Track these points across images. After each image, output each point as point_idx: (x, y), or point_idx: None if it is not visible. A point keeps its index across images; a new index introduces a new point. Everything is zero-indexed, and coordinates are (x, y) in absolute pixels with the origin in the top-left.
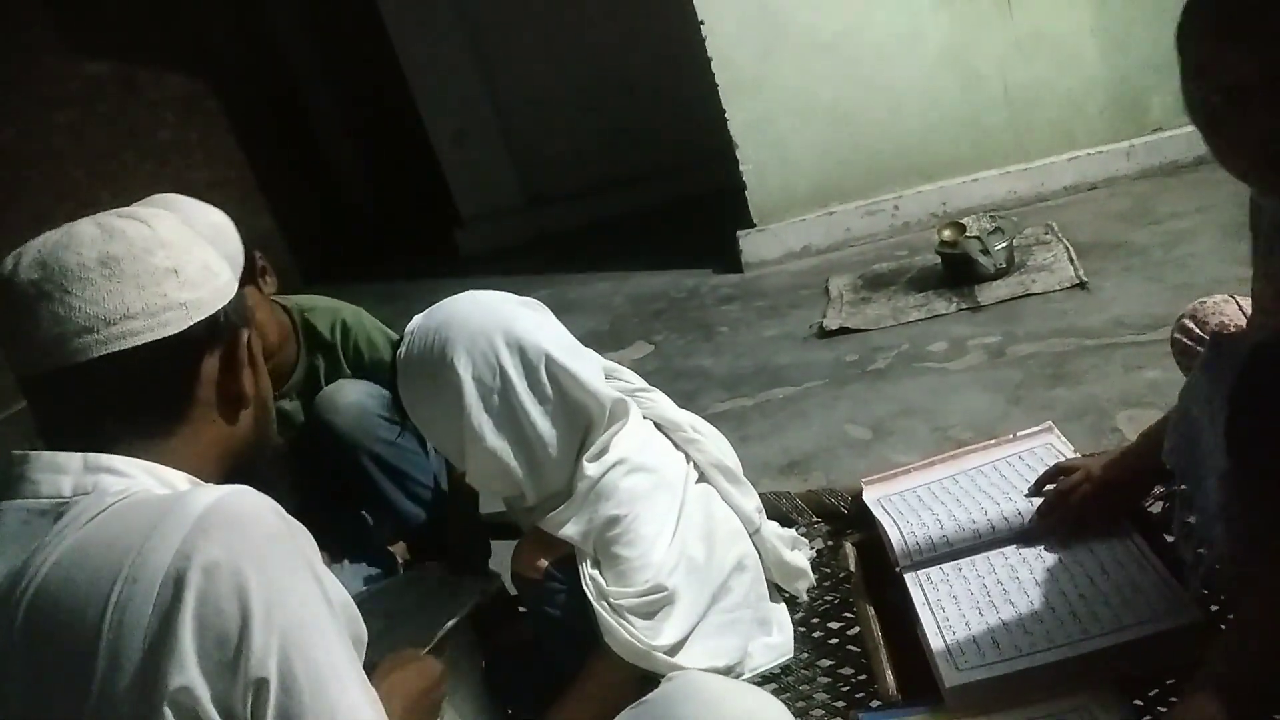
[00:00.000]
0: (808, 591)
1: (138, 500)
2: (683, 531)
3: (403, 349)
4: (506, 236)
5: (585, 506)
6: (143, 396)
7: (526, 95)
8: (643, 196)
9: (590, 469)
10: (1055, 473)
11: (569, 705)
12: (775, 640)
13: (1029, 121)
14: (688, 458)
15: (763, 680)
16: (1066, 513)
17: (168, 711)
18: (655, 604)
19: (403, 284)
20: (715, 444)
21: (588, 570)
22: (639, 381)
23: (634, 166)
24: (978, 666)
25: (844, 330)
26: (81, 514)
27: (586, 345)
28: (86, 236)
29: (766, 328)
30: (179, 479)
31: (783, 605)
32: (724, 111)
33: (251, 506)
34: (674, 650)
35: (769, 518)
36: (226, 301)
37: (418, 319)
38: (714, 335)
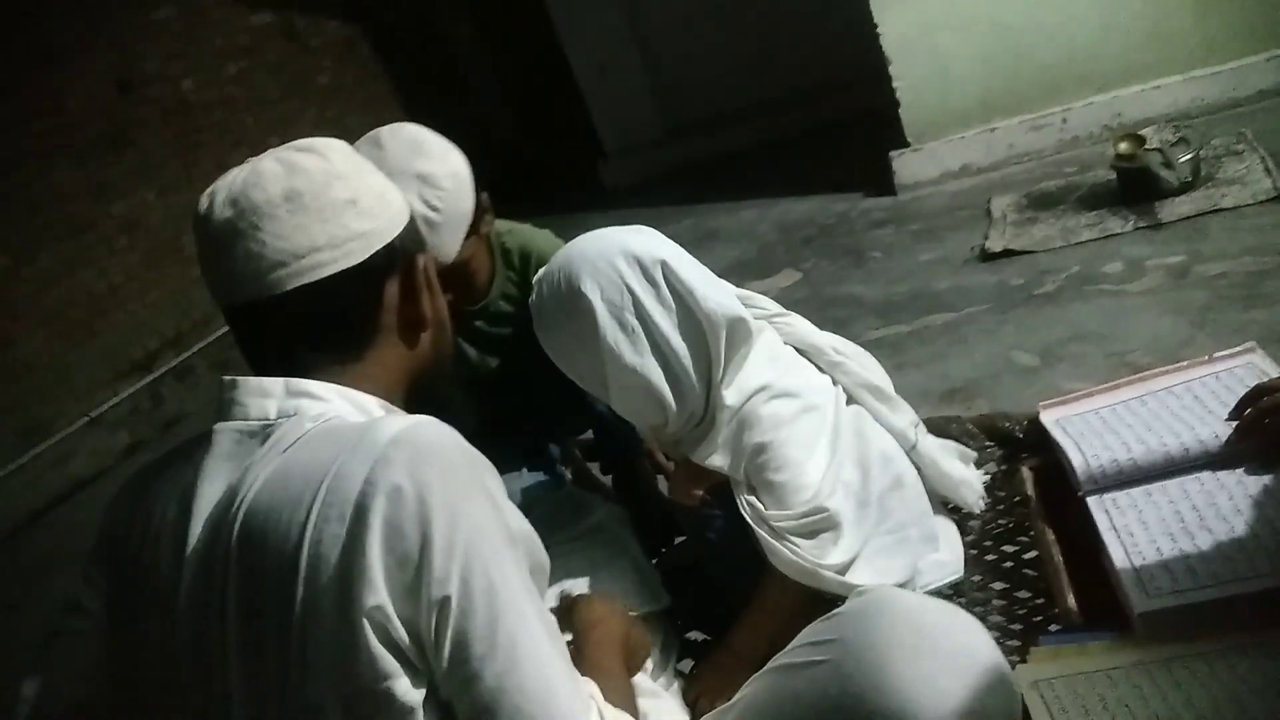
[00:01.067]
0: (980, 515)
1: (332, 427)
2: (837, 456)
3: (534, 297)
4: (649, 167)
5: (729, 436)
6: (332, 323)
7: (667, 23)
8: (787, 121)
9: (729, 398)
10: (1258, 393)
11: (746, 628)
12: (944, 558)
13: (1218, 19)
14: (834, 381)
15: None
16: (1272, 434)
17: (366, 626)
18: (816, 524)
19: (550, 218)
20: (860, 363)
21: (744, 496)
22: (775, 307)
23: (778, 90)
24: (1171, 593)
25: (1008, 252)
26: (284, 437)
27: (732, 274)
28: (270, 173)
29: (923, 251)
30: (371, 403)
31: (950, 522)
32: (875, 26)
33: (435, 436)
34: (842, 570)
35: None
36: (402, 228)
37: (544, 268)
38: (866, 261)
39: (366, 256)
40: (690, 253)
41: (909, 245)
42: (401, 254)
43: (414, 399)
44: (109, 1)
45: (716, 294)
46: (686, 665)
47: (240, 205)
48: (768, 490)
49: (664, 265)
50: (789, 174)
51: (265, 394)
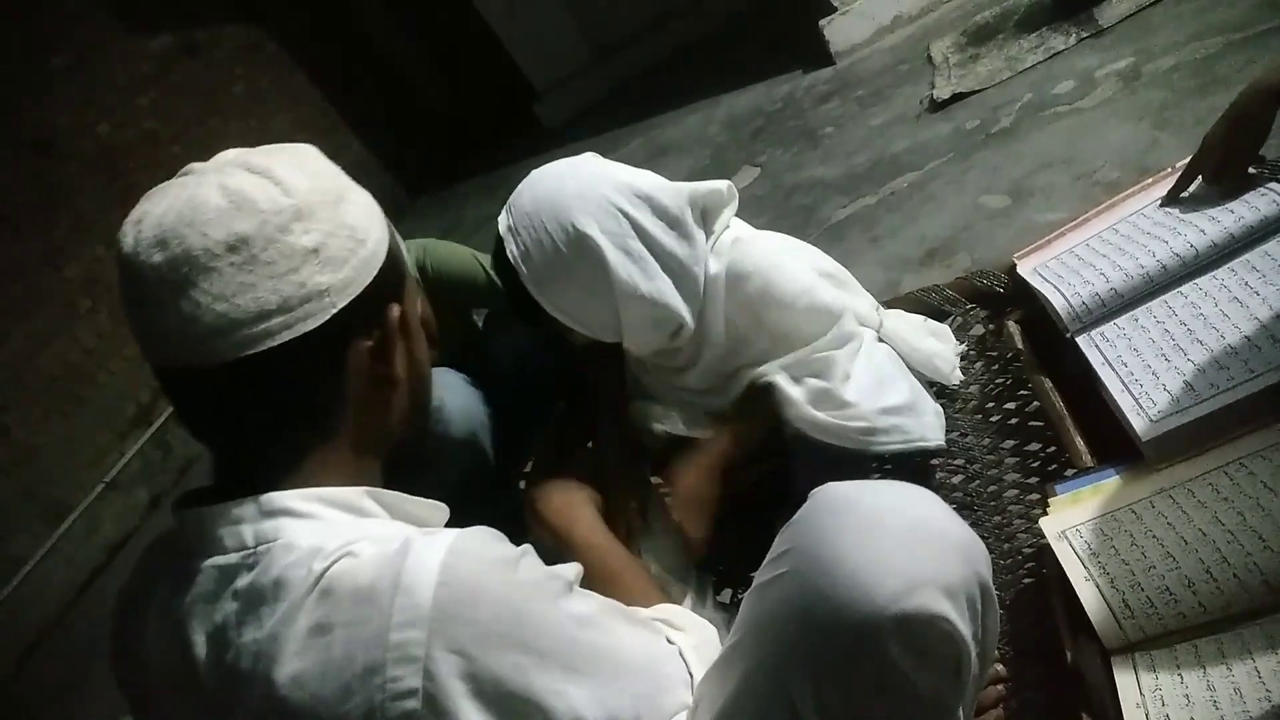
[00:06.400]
0: (979, 379)
1: (355, 589)
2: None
3: (514, 249)
4: (584, 96)
5: (725, 304)
6: (285, 399)
7: None
8: (710, 14)
9: (713, 266)
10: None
11: (725, 433)
12: (927, 419)
13: None
14: None
15: (951, 473)
16: (1215, 150)
17: None
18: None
19: (501, 172)
20: (808, 255)
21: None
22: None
23: None
24: (1173, 414)
25: (957, 96)
26: (288, 584)
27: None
28: (210, 209)
29: (873, 116)
30: (355, 496)
31: (928, 395)
32: None
33: (472, 577)
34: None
35: (927, 316)
36: (375, 273)
37: (503, 218)
38: (820, 140)
39: (329, 318)
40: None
41: (858, 113)
42: (376, 305)
43: (392, 466)
44: (2, 65)
45: (689, 183)
46: (726, 596)
47: (171, 250)
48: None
49: (651, 185)
50: (725, 68)
51: (237, 520)
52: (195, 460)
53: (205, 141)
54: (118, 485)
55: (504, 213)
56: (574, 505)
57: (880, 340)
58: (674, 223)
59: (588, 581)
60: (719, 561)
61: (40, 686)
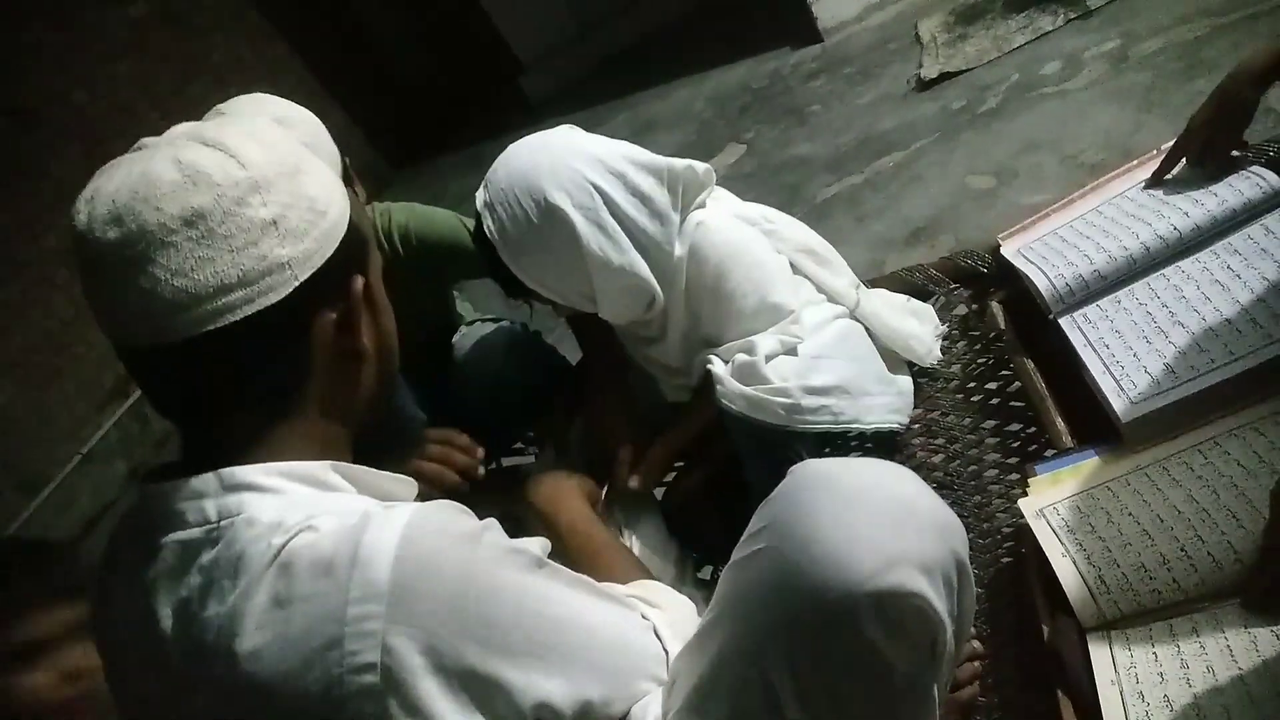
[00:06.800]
0: (961, 358)
1: (312, 561)
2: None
3: (490, 223)
4: (571, 71)
5: (687, 283)
6: (248, 374)
7: None
8: None
9: (678, 249)
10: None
11: (678, 428)
12: (893, 401)
13: None
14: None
15: (932, 453)
16: (1200, 132)
17: None
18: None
19: (484, 145)
20: (793, 230)
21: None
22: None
23: None
24: (1153, 396)
25: (945, 76)
26: (246, 560)
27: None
28: (164, 183)
29: (860, 95)
30: (319, 470)
31: (905, 376)
32: None
33: (429, 555)
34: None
35: (911, 296)
36: (337, 245)
37: (480, 194)
38: (807, 117)
39: (290, 291)
40: None
41: (845, 91)
42: (339, 276)
43: (361, 436)
44: None
45: (669, 158)
46: (706, 573)
47: (126, 226)
48: (731, 318)
49: (625, 158)
50: (713, 43)
51: (199, 495)
52: (173, 432)
53: (184, 110)
54: (95, 457)
55: (481, 188)
56: (561, 492)
57: (854, 319)
58: (645, 200)
59: (570, 564)
60: (700, 538)
61: None
